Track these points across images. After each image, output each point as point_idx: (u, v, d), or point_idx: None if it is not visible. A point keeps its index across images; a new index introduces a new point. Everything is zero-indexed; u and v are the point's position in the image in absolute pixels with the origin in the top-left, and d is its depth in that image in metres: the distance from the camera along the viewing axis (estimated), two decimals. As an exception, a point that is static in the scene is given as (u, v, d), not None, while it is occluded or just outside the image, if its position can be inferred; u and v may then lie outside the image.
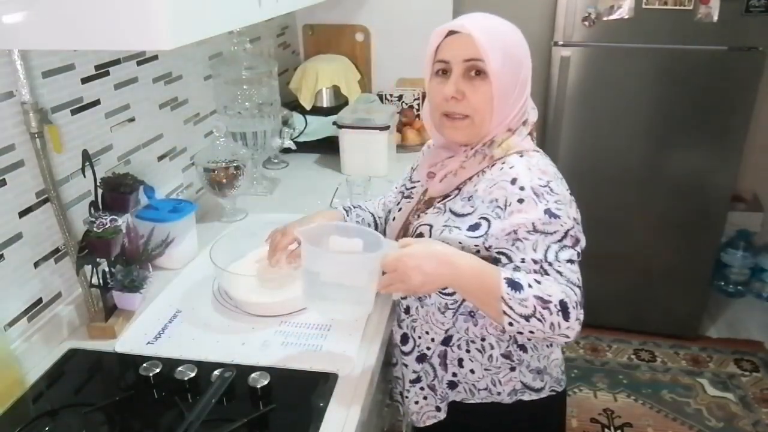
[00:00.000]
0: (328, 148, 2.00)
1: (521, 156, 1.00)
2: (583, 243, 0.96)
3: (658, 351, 2.61)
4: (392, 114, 1.90)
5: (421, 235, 1.03)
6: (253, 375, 0.98)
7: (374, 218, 1.29)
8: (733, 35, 2.15)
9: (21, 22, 0.81)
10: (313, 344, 1.09)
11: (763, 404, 2.31)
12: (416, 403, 1.13)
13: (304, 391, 0.98)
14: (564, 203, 0.94)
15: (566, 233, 0.93)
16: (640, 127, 2.37)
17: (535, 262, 0.91)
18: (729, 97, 2.24)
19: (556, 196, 0.94)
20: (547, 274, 0.90)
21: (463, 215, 1.00)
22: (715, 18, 2.12)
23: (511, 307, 0.86)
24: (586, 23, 2.23)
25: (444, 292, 1.03)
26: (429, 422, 1.13)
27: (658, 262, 2.55)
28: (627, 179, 2.45)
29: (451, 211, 1.02)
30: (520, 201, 0.94)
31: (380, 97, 2.25)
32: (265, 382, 0.96)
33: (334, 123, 1.89)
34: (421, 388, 1.12)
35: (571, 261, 0.92)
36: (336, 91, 2.19)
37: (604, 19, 2.21)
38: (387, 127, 1.83)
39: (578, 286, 0.91)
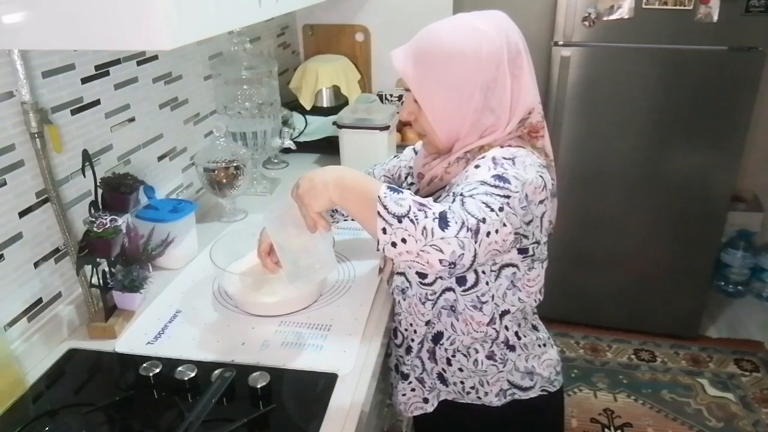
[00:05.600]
0: (328, 148, 2.00)
1: (501, 147, 0.98)
2: (537, 230, 0.96)
3: (658, 351, 2.61)
4: (392, 114, 1.90)
5: None
6: (253, 375, 0.98)
7: None
8: (733, 35, 2.15)
9: (21, 22, 0.81)
10: (313, 344, 1.09)
11: (763, 404, 2.31)
12: (403, 395, 1.18)
13: (304, 391, 0.98)
14: (521, 180, 0.88)
15: (509, 197, 0.85)
16: (640, 127, 2.37)
17: (454, 194, 0.86)
18: (729, 97, 2.24)
19: (514, 169, 0.89)
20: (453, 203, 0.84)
21: None
22: (715, 18, 2.12)
23: (385, 206, 0.81)
24: (586, 23, 2.23)
25: (423, 282, 1.05)
26: (416, 413, 1.18)
27: (659, 262, 2.55)
28: (627, 179, 2.45)
29: None
30: (477, 167, 0.92)
31: (380, 97, 2.25)
32: (265, 382, 0.96)
33: (334, 123, 1.89)
34: (410, 382, 1.16)
35: (488, 205, 0.82)
36: (336, 91, 2.19)
37: (604, 19, 2.22)
38: (387, 127, 1.83)
39: (477, 218, 0.81)
